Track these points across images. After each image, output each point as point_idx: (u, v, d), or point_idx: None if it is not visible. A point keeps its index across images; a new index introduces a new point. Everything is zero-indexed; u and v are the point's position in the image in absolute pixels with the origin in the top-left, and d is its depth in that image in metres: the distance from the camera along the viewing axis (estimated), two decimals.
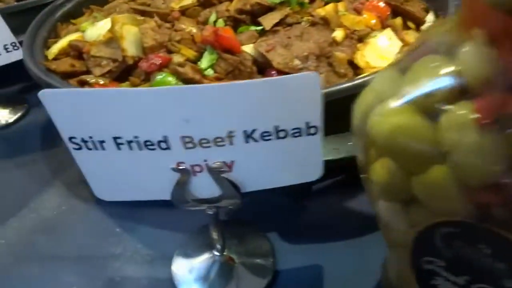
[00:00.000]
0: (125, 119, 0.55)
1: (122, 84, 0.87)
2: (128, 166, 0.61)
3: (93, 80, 0.89)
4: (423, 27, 1.00)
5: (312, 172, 0.63)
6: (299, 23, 0.94)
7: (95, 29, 1.00)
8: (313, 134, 0.57)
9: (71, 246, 0.85)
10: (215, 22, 0.96)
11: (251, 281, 0.72)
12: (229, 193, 0.62)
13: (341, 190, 0.88)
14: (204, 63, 0.84)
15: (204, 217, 0.81)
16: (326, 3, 0.99)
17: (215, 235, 0.71)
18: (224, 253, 0.74)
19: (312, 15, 0.95)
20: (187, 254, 0.77)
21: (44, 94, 0.52)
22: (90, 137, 0.57)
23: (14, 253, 0.83)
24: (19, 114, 1.26)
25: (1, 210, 0.93)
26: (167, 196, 0.63)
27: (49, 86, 0.87)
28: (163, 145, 0.57)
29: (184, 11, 1.02)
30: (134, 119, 0.55)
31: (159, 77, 0.81)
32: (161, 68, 0.84)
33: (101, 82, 0.89)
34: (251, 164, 0.60)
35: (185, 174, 0.59)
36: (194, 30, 0.93)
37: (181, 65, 0.82)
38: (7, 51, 1.17)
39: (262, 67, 0.87)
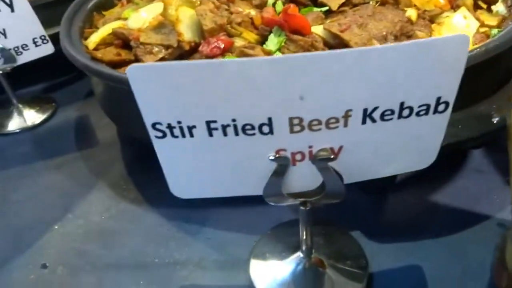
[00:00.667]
0: (224, 99, 0.46)
1: None
2: (217, 156, 0.52)
3: None
4: (494, 7, 0.92)
5: (424, 158, 0.55)
6: (366, 3, 0.86)
7: (140, 15, 0.92)
8: (441, 112, 0.49)
9: (127, 254, 0.76)
10: (273, 4, 0.88)
11: (344, 287, 0.63)
12: (333, 185, 0.54)
13: (425, 183, 0.79)
14: (271, 45, 0.76)
15: (279, 214, 0.73)
16: None
17: (304, 234, 0.63)
18: (312, 255, 0.66)
19: None
20: (266, 257, 0.69)
21: (132, 70, 0.44)
22: (179, 122, 0.49)
23: (67, 263, 0.73)
24: (47, 114, 1.17)
25: (44, 216, 0.84)
26: (258, 191, 0.55)
27: (100, 75, 0.79)
28: (265, 129, 0.48)
29: None
30: (235, 98, 0.46)
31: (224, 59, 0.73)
32: (223, 52, 0.76)
33: None
34: (361, 151, 0.52)
35: (284, 164, 0.51)
36: (252, 12, 0.85)
37: (250, 47, 0.73)
38: (36, 45, 1.10)
39: (334, 49, 0.79)
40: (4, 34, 1.04)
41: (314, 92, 0.45)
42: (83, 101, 1.21)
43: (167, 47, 0.82)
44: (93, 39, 0.93)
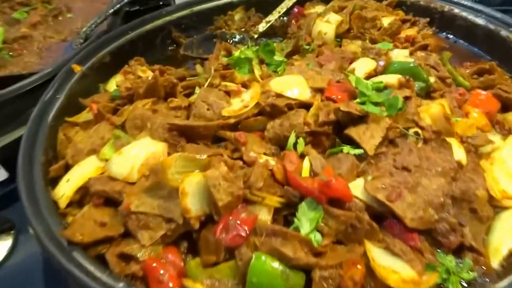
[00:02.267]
0: None
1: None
2: None
3: (141, 253, 0.63)
4: None
5: None
6: (403, 135, 0.72)
7: (124, 158, 0.72)
8: None
9: None
10: (295, 144, 0.72)
11: None
12: None
13: None
14: (306, 226, 0.61)
15: None
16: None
17: None
18: None
19: (416, 123, 0.73)
20: None
21: None
22: None
23: None
24: (7, 249, 0.94)
25: None
26: None
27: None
28: None
29: (238, 123, 0.77)
30: None
31: (254, 261, 0.56)
32: (247, 237, 0.60)
33: (153, 253, 0.63)
34: None
35: None
36: (271, 161, 0.68)
37: (286, 243, 0.57)
38: None
39: (378, 215, 0.64)
40: None
41: None
42: None
43: (168, 220, 0.64)
44: (66, 192, 0.72)
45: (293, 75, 0.81)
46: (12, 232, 0.98)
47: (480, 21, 1.08)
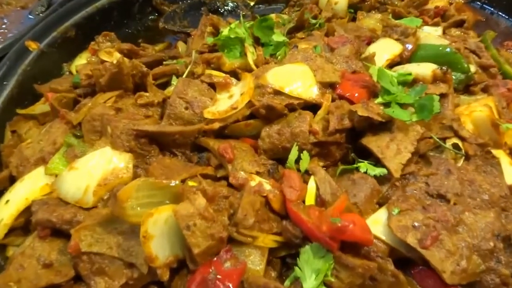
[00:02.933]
0: None
1: None
2: None
3: None
4: None
5: None
6: (437, 147, 0.56)
7: (77, 175, 0.56)
8: None
9: None
10: (297, 160, 0.55)
11: None
12: None
13: None
14: (310, 279, 0.45)
15: None
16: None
17: None
18: None
19: (455, 132, 0.57)
20: None
21: None
22: None
23: None
24: None
25: None
26: None
27: None
28: None
29: (225, 127, 0.60)
30: None
31: None
32: None
33: None
34: None
35: None
36: (266, 185, 0.52)
37: None
38: None
39: (403, 259, 0.49)
40: None
41: None
42: None
43: (129, 265, 0.49)
44: (4, 218, 0.57)
45: (297, 64, 0.62)
46: None
47: None
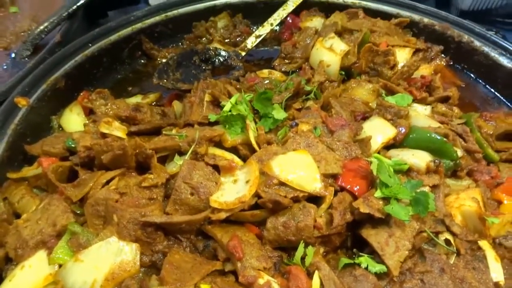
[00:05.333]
0: None
1: None
2: None
3: None
4: None
5: None
6: (430, 240, 0.60)
7: (83, 268, 0.55)
8: None
9: None
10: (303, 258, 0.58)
11: None
12: None
13: None
14: None
15: None
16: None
17: None
18: None
19: (447, 227, 0.61)
20: None
21: None
22: None
23: None
24: None
25: None
26: None
27: None
28: None
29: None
30: None
31: None
32: None
33: None
34: None
35: None
36: (274, 284, 0.54)
37: None
38: None
39: None
40: None
41: None
42: None
43: None
44: None
45: (300, 153, 0.65)
46: None
47: (504, 61, 0.94)
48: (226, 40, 1.14)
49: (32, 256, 0.61)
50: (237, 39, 1.15)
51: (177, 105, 0.88)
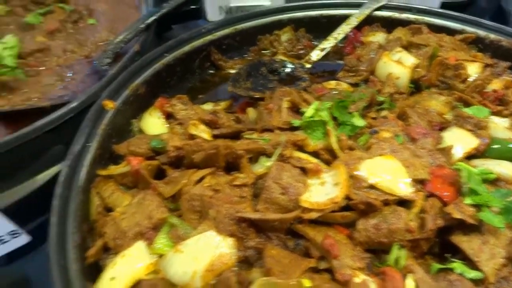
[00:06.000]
0: None
1: None
2: None
3: None
4: None
5: None
6: None
7: (184, 258, 0.59)
8: None
9: None
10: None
11: None
12: None
13: None
14: None
15: None
16: None
17: None
18: None
19: None
20: None
21: None
22: None
23: None
24: None
25: None
26: None
27: None
28: None
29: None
30: None
31: None
32: None
33: None
34: None
35: None
36: (371, 284, 0.55)
37: None
38: (3, 242, 0.73)
39: None
40: None
41: None
42: None
43: None
44: None
45: (387, 158, 0.67)
46: None
47: None
48: (290, 53, 1.19)
49: (131, 246, 0.65)
50: (299, 52, 1.20)
51: (251, 112, 0.92)
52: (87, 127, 0.83)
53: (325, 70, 1.18)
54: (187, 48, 1.08)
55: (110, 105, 0.89)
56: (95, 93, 0.92)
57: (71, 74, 1.04)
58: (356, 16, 1.18)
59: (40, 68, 1.05)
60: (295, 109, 0.83)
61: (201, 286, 0.58)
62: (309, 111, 0.76)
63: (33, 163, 0.88)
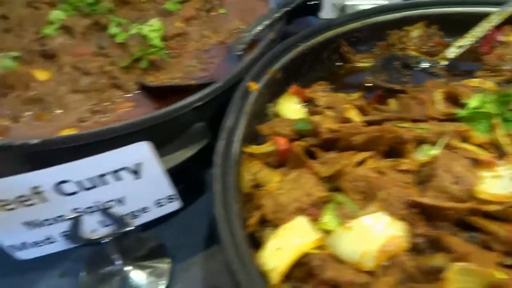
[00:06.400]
0: None
1: None
2: None
3: None
4: None
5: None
6: None
7: (355, 237, 0.58)
8: None
9: None
10: None
11: None
12: None
13: None
14: None
15: None
16: None
17: None
18: None
19: None
20: None
21: None
22: None
23: None
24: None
25: None
26: None
27: None
28: None
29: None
30: None
31: None
32: None
33: None
34: None
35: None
36: None
37: None
38: (159, 206, 0.78)
39: None
40: (122, 202, 0.72)
41: None
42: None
43: None
44: (278, 266, 0.59)
45: None
46: (168, 261, 0.89)
47: None
48: (420, 50, 1.15)
49: (293, 220, 0.66)
50: (430, 50, 1.15)
51: (392, 103, 0.90)
52: (236, 105, 0.86)
53: (460, 69, 1.13)
54: (320, 38, 1.09)
55: (254, 86, 0.92)
56: (238, 74, 0.95)
57: (208, 58, 1.10)
58: (499, 13, 1.11)
59: (181, 51, 1.11)
60: (450, 101, 0.80)
61: (371, 267, 0.57)
62: (473, 102, 0.73)
63: (179, 137, 0.93)
